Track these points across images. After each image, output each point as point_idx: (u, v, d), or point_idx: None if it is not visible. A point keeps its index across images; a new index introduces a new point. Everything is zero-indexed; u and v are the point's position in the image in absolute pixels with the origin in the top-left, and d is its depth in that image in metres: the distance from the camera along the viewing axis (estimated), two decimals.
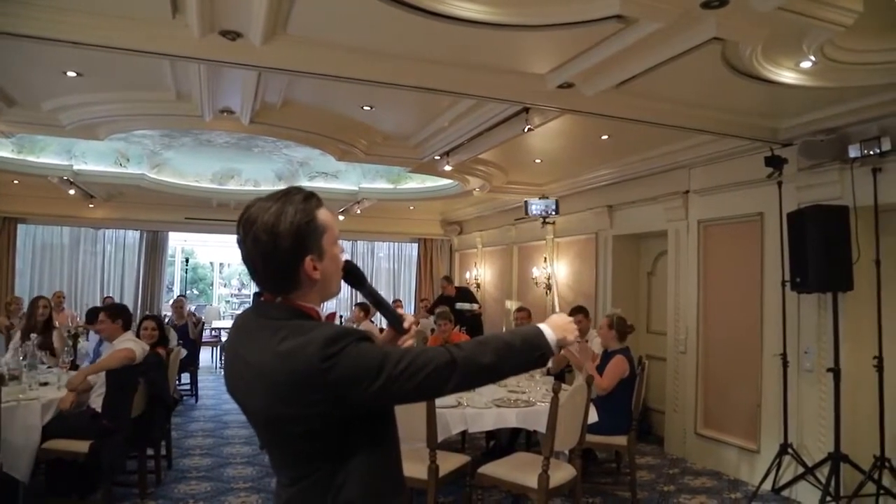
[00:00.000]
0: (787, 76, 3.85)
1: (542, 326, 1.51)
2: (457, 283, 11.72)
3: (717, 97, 4.55)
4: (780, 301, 5.17)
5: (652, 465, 5.99)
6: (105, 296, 10.78)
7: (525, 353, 1.47)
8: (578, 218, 8.36)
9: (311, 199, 1.47)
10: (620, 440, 5.01)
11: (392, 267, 13.25)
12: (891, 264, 4.65)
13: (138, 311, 10.85)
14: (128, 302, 11.26)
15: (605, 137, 6.04)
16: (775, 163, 5.10)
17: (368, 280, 1.62)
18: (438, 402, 4.07)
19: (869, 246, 4.53)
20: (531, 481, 3.81)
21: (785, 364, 5.10)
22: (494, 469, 4.09)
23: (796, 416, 5.08)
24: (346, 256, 1.56)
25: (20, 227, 10.58)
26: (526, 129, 5.06)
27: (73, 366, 5.74)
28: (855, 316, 4.73)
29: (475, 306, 9.44)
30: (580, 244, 8.45)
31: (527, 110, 4.90)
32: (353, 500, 1.41)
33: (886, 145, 4.38)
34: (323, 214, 1.47)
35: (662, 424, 6.74)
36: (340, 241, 1.53)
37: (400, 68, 3.99)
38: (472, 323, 8.85)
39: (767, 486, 5.01)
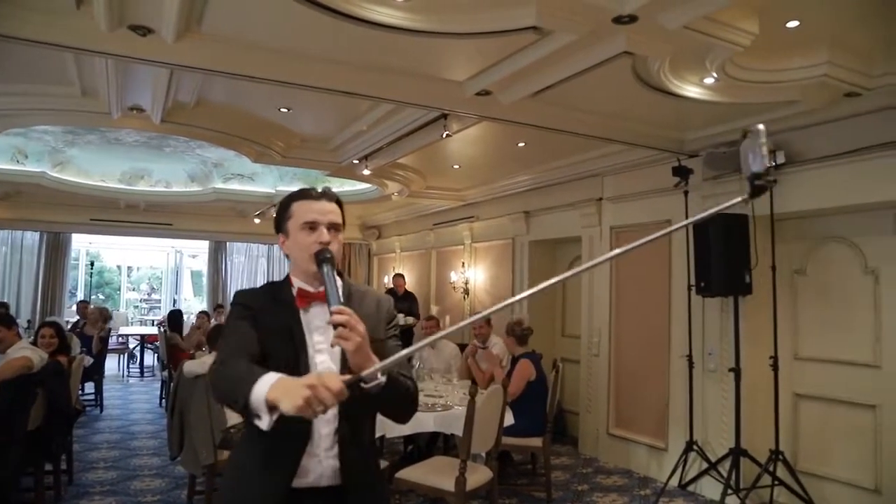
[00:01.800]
0: (692, 91, 4.06)
1: (266, 381, 1.49)
2: (375, 288, 11.68)
3: (628, 108, 4.74)
4: (687, 305, 5.42)
5: (566, 466, 6.15)
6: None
7: (237, 397, 1.53)
8: (496, 223, 8.49)
9: (300, 191, 1.90)
10: (536, 442, 5.12)
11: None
12: (785, 270, 4.98)
13: (37, 317, 10.23)
14: (26, 307, 10.62)
15: (521, 145, 6.17)
16: (682, 173, 5.36)
17: (329, 270, 1.74)
18: None
19: (766, 253, 4.82)
20: (448, 484, 3.84)
21: (691, 365, 5.35)
22: (412, 473, 4.10)
23: (701, 414, 5.34)
24: (323, 245, 1.79)
25: None
26: (444, 135, 5.11)
27: None
28: (753, 318, 5.01)
29: (409, 320, 9.30)
30: (497, 249, 8.58)
31: (445, 116, 4.95)
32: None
33: (781, 159, 4.69)
34: (297, 205, 1.86)
35: (577, 425, 6.93)
36: (308, 231, 1.81)
37: (317, 70, 3.94)
38: (403, 334, 8.78)
39: (675, 482, 5.24)
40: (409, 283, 10.89)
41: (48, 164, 8.53)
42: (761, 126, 1.40)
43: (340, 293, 1.68)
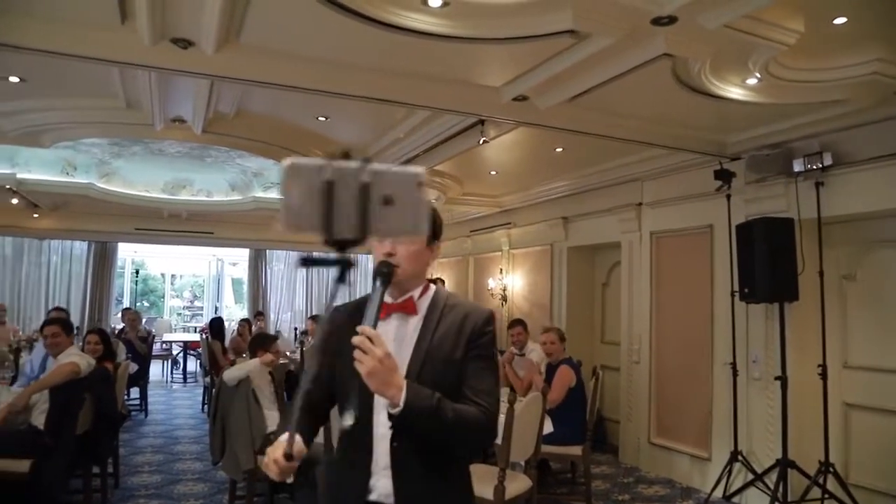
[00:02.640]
0: (734, 92, 3.97)
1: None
2: None
3: (667, 111, 4.66)
4: (730, 311, 5.29)
5: (607, 475, 6.05)
6: (54, 307, 10.34)
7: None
8: (534, 229, 8.44)
9: None
10: (575, 450, 5.05)
11: (352, 278, 13.13)
12: (833, 275, 4.82)
13: (86, 325, 10.50)
14: (75, 314, 10.89)
15: (559, 150, 6.12)
16: (724, 176, 5.24)
17: (380, 285, 1.65)
18: None
19: (813, 257, 4.69)
20: (487, 492, 3.79)
21: (734, 373, 5.22)
22: None
23: (746, 423, 5.20)
24: (385, 256, 1.73)
25: None
26: (481, 142, 5.09)
27: (13, 381, 5.51)
28: (800, 325, 4.87)
29: None
30: (535, 255, 8.52)
31: (482, 122, 4.94)
32: None
33: (828, 160, 4.55)
34: None
35: (617, 434, 6.82)
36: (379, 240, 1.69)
37: (354, 79, 3.97)
38: None
39: (719, 493, 5.11)
40: (447, 289, 10.88)
41: (95, 176, 8.78)
42: None
43: (375, 313, 1.56)
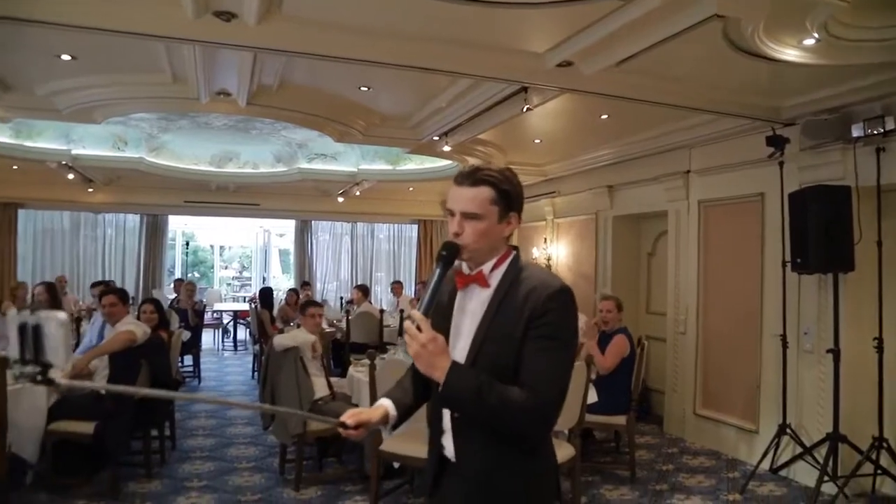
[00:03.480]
0: (790, 54, 3.80)
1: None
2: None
3: (718, 76, 4.50)
4: (781, 282, 5.15)
5: (651, 445, 6.02)
6: (98, 280, 10.71)
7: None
8: (578, 198, 8.33)
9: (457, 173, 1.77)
10: (619, 420, 5.03)
11: (392, 248, 13.25)
12: (892, 245, 4.63)
13: (139, 295, 10.85)
14: (129, 285, 11.27)
15: (604, 117, 6.00)
16: (777, 142, 5.06)
17: (441, 268, 1.71)
18: None
19: (871, 227, 4.51)
20: None
21: (784, 345, 5.10)
22: None
23: (795, 396, 5.09)
24: (454, 235, 1.72)
25: (20, 213, 10.55)
26: (525, 109, 5.01)
27: (74, 347, 5.75)
28: (855, 297, 4.71)
29: None
30: (580, 224, 8.43)
31: (525, 90, 4.86)
32: None
33: (890, 124, 4.34)
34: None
35: (662, 404, 6.77)
36: (450, 217, 1.74)
37: (396, 48, 3.95)
38: None
39: (765, 465, 5.04)
40: None
41: (145, 150, 8.98)
42: None
43: (430, 297, 1.66)
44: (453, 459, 1.76)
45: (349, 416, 1.80)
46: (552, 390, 1.61)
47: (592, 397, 4.65)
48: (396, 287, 10.76)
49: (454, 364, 1.61)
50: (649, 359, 6.04)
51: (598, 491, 4.75)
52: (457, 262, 1.76)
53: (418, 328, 1.59)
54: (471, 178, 1.71)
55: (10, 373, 4.52)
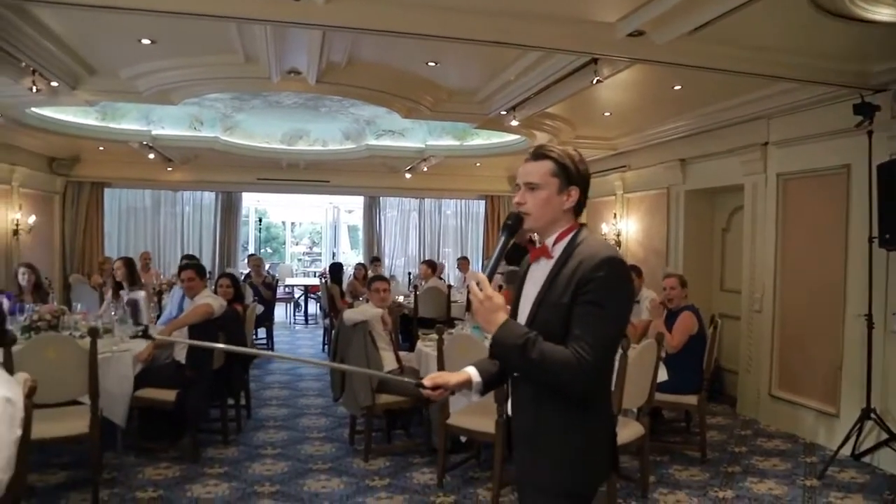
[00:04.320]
0: (884, 13, 3.56)
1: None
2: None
3: (801, 41, 4.27)
4: (867, 259, 4.88)
5: (723, 426, 5.88)
6: (185, 254, 11.18)
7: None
8: (649, 172, 8.11)
9: None
10: (690, 399, 4.93)
11: (459, 224, 13.27)
12: None
13: (216, 270, 11.28)
14: (206, 260, 11.71)
15: (677, 88, 5.79)
16: (865, 110, 4.76)
17: (505, 236, 1.89)
18: None
19: None
20: None
21: (870, 325, 4.84)
22: None
23: (881, 379, 4.84)
24: (517, 206, 1.89)
25: (106, 192, 11.10)
26: (594, 81, 4.89)
27: (157, 319, 6.04)
28: None
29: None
30: (651, 200, 8.22)
31: (595, 61, 4.73)
32: None
33: None
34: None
35: (735, 385, 6.58)
36: (516, 189, 1.91)
37: (464, 22, 3.92)
38: None
39: (846, 451, 4.82)
40: None
41: (220, 129, 9.27)
42: None
43: (494, 261, 1.83)
44: (511, 416, 1.97)
45: (428, 379, 1.97)
46: (593, 352, 1.68)
47: (662, 376, 4.57)
48: (463, 263, 10.79)
49: (507, 320, 1.76)
50: (722, 338, 5.87)
51: (668, 471, 4.68)
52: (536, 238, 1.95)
53: (480, 287, 1.77)
54: (534, 154, 1.90)
55: (126, 331, 4.84)
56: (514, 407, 1.94)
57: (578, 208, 1.92)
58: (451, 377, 1.99)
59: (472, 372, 2.01)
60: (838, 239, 5.29)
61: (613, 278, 1.73)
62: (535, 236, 1.97)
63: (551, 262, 1.85)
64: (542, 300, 1.82)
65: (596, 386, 1.79)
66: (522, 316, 1.89)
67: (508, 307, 1.83)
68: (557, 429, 1.80)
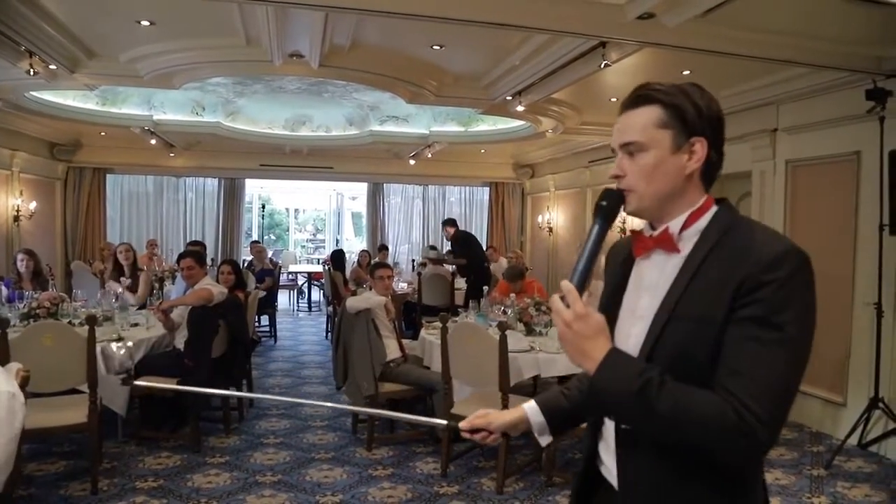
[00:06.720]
0: None
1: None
2: (528, 228, 11.58)
3: (813, 24, 4.18)
4: (877, 246, 4.80)
5: None
6: (191, 240, 11.09)
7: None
8: None
9: None
10: None
11: (464, 211, 13.18)
12: None
13: (219, 256, 11.23)
14: (209, 247, 11.66)
15: (686, 73, 5.69)
16: (878, 96, 4.66)
17: (599, 225, 1.27)
18: (511, 346, 4.05)
19: None
20: None
21: (879, 314, 4.77)
22: None
23: (889, 368, 4.79)
24: (614, 178, 1.30)
25: (108, 177, 11.04)
26: (603, 66, 4.80)
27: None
28: None
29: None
30: None
31: (603, 45, 4.64)
32: None
33: None
34: None
35: None
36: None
37: (469, 3, 3.83)
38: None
39: (854, 440, 4.78)
40: (564, 223, 10.65)
41: (222, 115, 9.18)
42: None
43: (585, 263, 1.22)
44: (613, 484, 1.31)
45: (467, 422, 1.52)
46: (761, 403, 1.07)
47: None
48: (493, 253, 10.66)
49: (612, 351, 1.18)
50: None
51: None
52: (644, 226, 1.34)
53: (565, 302, 1.18)
54: (631, 99, 1.30)
55: (126, 318, 4.82)
56: (624, 472, 1.27)
57: (710, 173, 1.28)
58: (496, 418, 1.51)
59: (528, 410, 1.51)
60: (847, 226, 5.21)
61: (799, 284, 1.12)
62: (644, 225, 1.35)
63: (679, 258, 1.24)
64: (674, 313, 1.20)
65: (761, 455, 1.18)
66: (635, 338, 1.26)
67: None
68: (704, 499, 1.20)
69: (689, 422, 1.10)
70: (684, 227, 1.26)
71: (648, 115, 1.25)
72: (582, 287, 1.20)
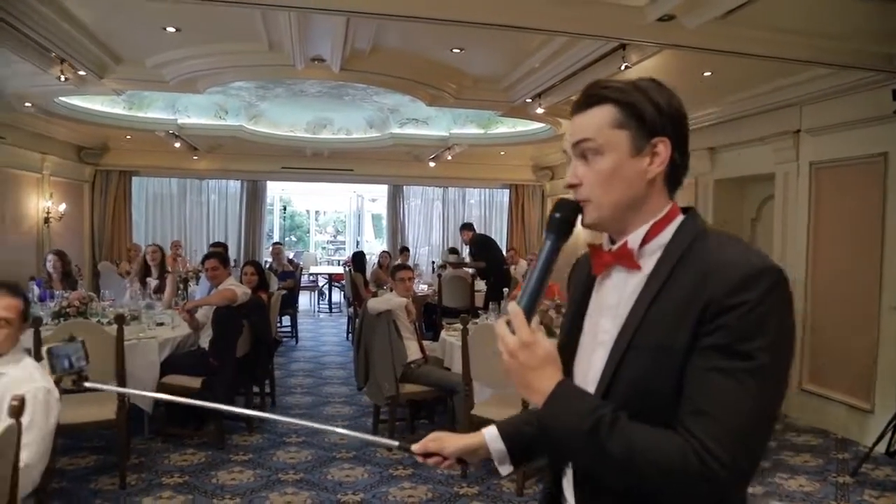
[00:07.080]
0: None
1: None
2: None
3: (836, 23, 4.14)
4: None
5: None
6: (213, 242, 11.22)
7: None
8: None
9: None
10: None
11: (483, 213, 13.19)
12: None
13: (241, 257, 11.35)
14: (231, 248, 11.80)
15: (707, 74, 5.66)
16: None
17: (551, 241, 1.14)
18: None
19: None
20: None
21: None
22: None
23: None
24: (566, 182, 1.17)
25: (134, 180, 11.22)
26: (623, 68, 4.80)
27: None
28: None
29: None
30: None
31: (623, 47, 4.64)
32: None
33: None
34: None
35: None
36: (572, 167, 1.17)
37: (489, 6, 3.86)
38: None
39: (881, 448, 4.71)
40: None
41: (244, 118, 9.31)
42: None
43: (535, 284, 1.10)
44: None
45: (420, 444, 1.41)
46: (726, 446, 0.94)
47: None
48: (513, 255, 10.66)
49: (561, 384, 1.06)
50: None
51: None
52: (604, 239, 1.20)
53: (512, 329, 1.07)
54: (581, 100, 1.14)
55: (153, 318, 4.92)
56: (583, 492, 1.15)
57: (675, 176, 1.14)
58: (451, 442, 1.37)
59: (488, 436, 1.35)
60: (874, 228, 5.14)
61: (772, 307, 0.97)
62: (604, 238, 1.20)
63: (640, 276, 1.11)
64: (634, 340, 1.06)
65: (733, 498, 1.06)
66: (595, 365, 1.13)
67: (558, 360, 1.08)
68: None
69: (645, 464, 0.97)
70: (645, 240, 1.12)
71: (602, 115, 1.10)
72: (531, 310, 1.08)
